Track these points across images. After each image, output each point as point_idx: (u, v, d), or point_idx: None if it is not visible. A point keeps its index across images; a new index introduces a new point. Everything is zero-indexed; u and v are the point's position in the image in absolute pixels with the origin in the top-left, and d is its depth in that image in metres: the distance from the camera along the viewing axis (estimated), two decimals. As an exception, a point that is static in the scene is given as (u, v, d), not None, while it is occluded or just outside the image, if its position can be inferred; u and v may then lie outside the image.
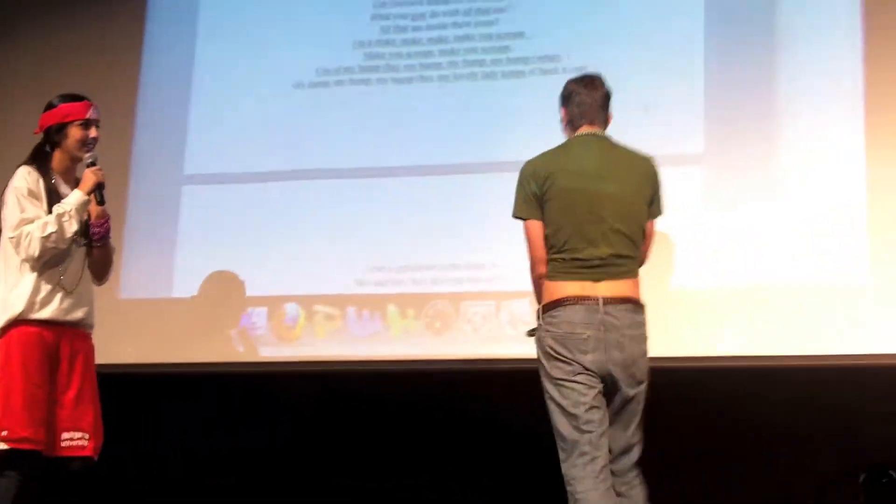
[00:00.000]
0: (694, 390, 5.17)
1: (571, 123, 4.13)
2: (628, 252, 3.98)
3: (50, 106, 4.21)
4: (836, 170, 5.27)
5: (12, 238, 4.05)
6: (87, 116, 4.17)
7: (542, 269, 3.99)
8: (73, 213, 4.06)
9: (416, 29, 5.91)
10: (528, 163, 4.09)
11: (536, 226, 4.00)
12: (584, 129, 4.09)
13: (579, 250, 3.94)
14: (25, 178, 4.10)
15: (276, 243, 5.75)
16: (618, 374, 3.89)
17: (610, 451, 3.88)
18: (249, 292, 5.74)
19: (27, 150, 4.26)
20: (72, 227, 4.06)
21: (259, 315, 5.75)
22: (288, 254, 5.72)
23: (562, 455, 3.87)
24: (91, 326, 4.25)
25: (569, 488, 3.82)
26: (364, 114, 5.84)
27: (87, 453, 4.08)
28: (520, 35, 5.76)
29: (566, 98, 4.15)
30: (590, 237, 3.94)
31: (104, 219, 4.20)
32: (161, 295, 5.80)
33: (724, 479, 5.28)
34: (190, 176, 5.99)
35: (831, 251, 5.20)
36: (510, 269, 5.15)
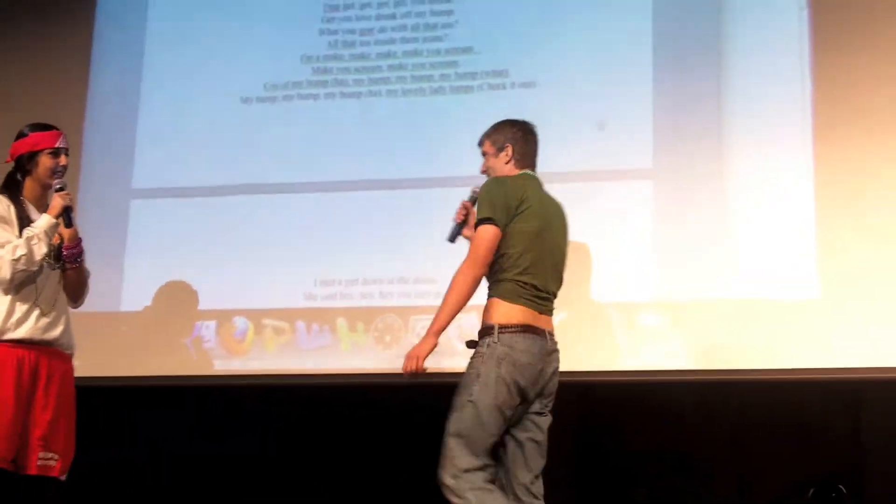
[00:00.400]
0: (640, 404, 5.18)
1: (519, 161, 4.19)
2: (557, 293, 4.12)
3: (21, 135, 4.30)
4: (785, 184, 5.30)
5: None
6: (57, 145, 4.27)
7: (482, 273, 3.99)
8: (41, 235, 4.15)
9: (364, 44, 5.91)
10: (505, 178, 4.13)
11: (497, 235, 3.99)
12: (529, 171, 4.19)
13: (538, 278, 4.01)
14: None
15: (226, 257, 5.75)
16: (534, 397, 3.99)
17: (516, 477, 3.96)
18: (199, 306, 5.73)
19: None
20: (41, 250, 4.14)
21: (208, 328, 5.73)
22: (237, 268, 5.72)
23: (450, 460, 3.87)
24: (70, 347, 4.31)
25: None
26: (312, 129, 5.85)
27: (54, 474, 4.15)
28: (468, 50, 5.78)
29: (519, 136, 4.21)
30: (546, 269, 4.05)
31: (76, 241, 4.28)
32: (110, 308, 5.77)
33: (671, 494, 5.29)
34: (139, 190, 5.97)
35: (781, 265, 5.22)
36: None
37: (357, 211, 5.68)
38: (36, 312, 4.17)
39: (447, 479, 3.86)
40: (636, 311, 5.32)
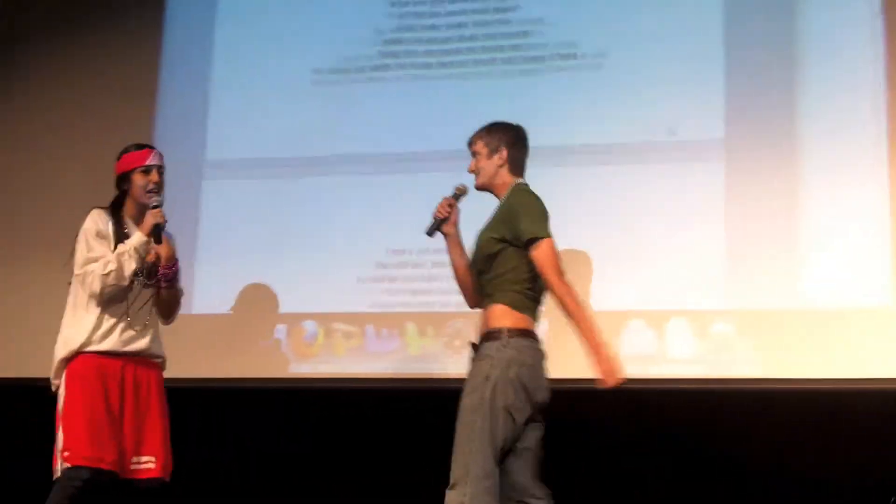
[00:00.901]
0: (709, 412, 5.17)
1: (512, 166, 4.18)
2: None
3: (118, 156, 4.46)
4: (859, 191, 5.26)
5: (78, 275, 4.31)
6: (147, 163, 4.40)
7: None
8: (132, 252, 4.27)
9: (434, 15, 5.94)
10: (532, 191, 4.16)
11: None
12: (521, 180, 4.22)
13: (542, 291, 4.09)
14: (95, 219, 4.35)
15: (295, 259, 5.79)
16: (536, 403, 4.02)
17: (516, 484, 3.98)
18: (269, 310, 5.78)
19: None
20: (130, 266, 4.26)
21: (279, 332, 5.78)
22: (307, 271, 5.76)
23: (460, 485, 3.83)
24: (157, 356, 4.44)
25: None
26: (382, 104, 5.88)
27: (154, 474, 4.29)
28: (538, 22, 5.78)
29: (515, 141, 4.21)
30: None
31: (173, 262, 4.42)
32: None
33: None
34: (212, 161, 6.06)
35: (854, 272, 5.20)
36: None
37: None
38: (121, 326, 4.30)
39: (462, 489, 3.82)
40: (705, 319, 5.31)
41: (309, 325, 5.74)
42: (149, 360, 4.39)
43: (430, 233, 4.27)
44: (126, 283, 4.27)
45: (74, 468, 4.13)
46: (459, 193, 4.28)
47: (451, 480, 3.86)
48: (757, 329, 5.24)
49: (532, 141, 4.26)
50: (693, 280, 5.33)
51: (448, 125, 5.53)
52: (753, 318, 5.25)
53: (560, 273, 3.96)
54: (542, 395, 4.01)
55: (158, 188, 4.39)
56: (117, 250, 4.27)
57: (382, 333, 5.66)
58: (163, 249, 4.36)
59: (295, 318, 5.77)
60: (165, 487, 4.35)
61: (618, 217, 5.45)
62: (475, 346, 4.06)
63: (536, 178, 4.25)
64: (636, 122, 5.50)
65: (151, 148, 4.46)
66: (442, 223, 4.26)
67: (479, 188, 4.23)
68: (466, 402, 3.93)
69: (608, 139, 5.54)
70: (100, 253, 4.28)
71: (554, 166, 5.32)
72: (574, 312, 3.91)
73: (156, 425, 4.33)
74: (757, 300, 5.26)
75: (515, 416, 3.90)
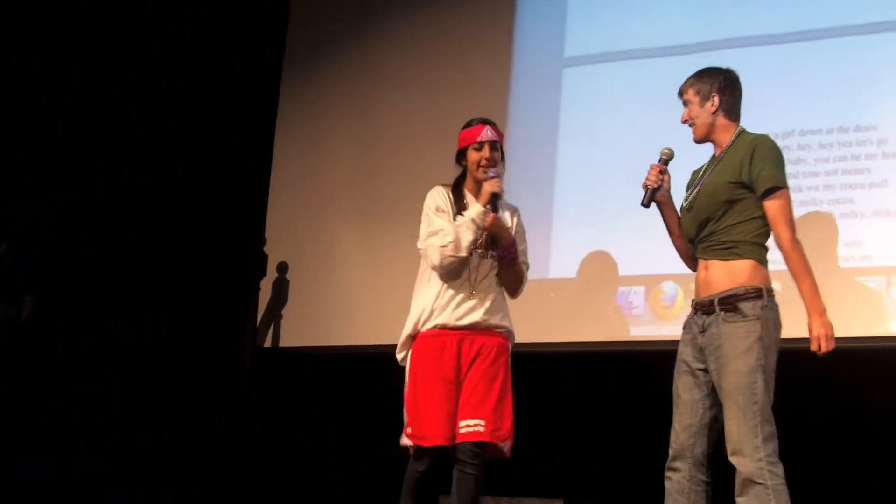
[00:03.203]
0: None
1: (728, 112, 4.03)
2: None
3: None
4: None
5: (421, 250, 4.42)
6: (479, 139, 4.41)
7: None
8: (469, 224, 4.31)
9: None
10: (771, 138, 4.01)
11: None
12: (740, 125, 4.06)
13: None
14: (434, 196, 4.45)
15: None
16: None
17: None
18: (624, 272, 5.69)
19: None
20: (468, 237, 4.30)
21: (636, 294, 5.67)
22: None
23: (752, 450, 3.72)
24: (498, 327, 4.40)
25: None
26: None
27: (482, 437, 4.25)
28: None
29: (725, 85, 4.03)
30: None
31: (510, 245, 4.39)
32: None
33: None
34: (570, 58, 6.11)
35: None
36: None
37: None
38: (459, 298, 4.34)
39: (756, 454, 3.71)
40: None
41: (668, 287, 5.59)
42: (488, 332, 4.37)
43: (646, 203, 4.11)
44: (464, 253, 4.29)
45: (414, 447, 4.29)
46: (667, 158, 4.13)
47: (735, 447, 3.75)
48: None
49: None
50: None
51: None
52: None
53: (794, 228, 3.84)
54: None
55: (491, 163, 4.39)
56: (455, 222, 4.32)
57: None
58: (503, 233, 4.37)
59: (653, 280, 5.64)
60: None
61: None
62: (705, 304, 3.91)
63: None
64: None
65: (484, 122, 4.45)
66: (656, 191, 4.12)
67: (699, 141, 4.07)
68: (741, 365, 3.78)
69: None
70: (439, 226, 4.33)
71: None
72: (801, 272, 3.83)
73: (490, 391, 4.29)
74: None
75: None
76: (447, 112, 6.09)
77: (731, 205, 3.91)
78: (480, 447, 4.23)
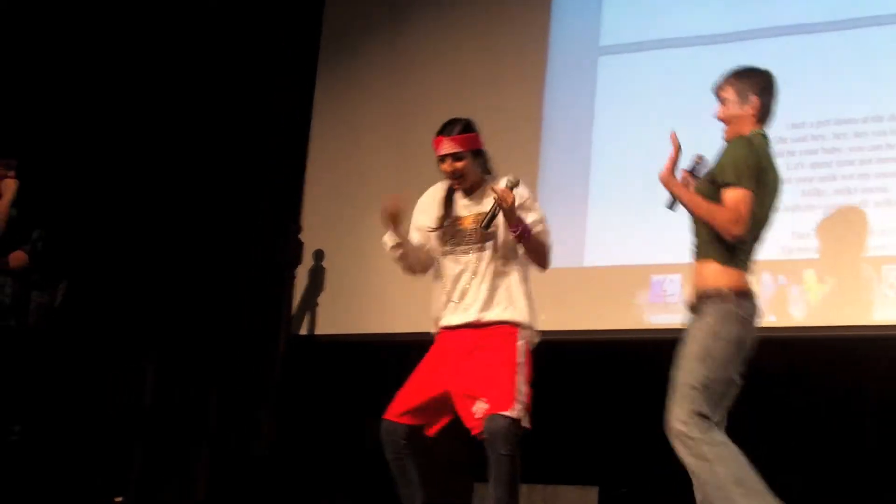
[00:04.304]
0: None
1: (763, 118, 3.92)
2: None
3: None
4: None
5: None
6: (438, 153, 4.26)
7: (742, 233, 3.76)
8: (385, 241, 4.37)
9: None
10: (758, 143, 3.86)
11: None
12: (760, 129, 3.92)
13: (753, 249, 3.91)
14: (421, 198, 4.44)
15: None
16: None
17: None
18: (659, 260, 5.68)
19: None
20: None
21: (672, 282, 5.67)
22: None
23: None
24: (496, 322, 4.23)
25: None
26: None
27: (490, 412, 4.10)
28: None
29: (765, 89, 3.91)
30: (759, 240, 3.93)
31: (517, 225, 4.14)
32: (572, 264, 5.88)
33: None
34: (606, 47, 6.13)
35: None
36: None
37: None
38: (455, 296, 4.27)
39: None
40: None
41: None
42: (487, 327, 4.21)
43: (672, 207, 4.00)
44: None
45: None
46: (697, 164, 3.99)
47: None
48: None
49: None
50: None
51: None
52: None
53: (738, 222, 3.74)
54: None
55: (456, 175, 4.24)
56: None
57: (779, 281, 5.43)
58: (510, 217, 4.11)
59: (689, 269, 5.60)
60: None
61: None
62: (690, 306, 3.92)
63: None
64: None
65: (442, 133, 4.24)
66: None
67: (730, 141, 3.92)
68: (684, 352, 3.81)
69: None
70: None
71: None
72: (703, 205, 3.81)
73: (488, 370, 4.12)
74: None
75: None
76: (483, 101, 6.12)
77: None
78: (495, 422, 4.03)
